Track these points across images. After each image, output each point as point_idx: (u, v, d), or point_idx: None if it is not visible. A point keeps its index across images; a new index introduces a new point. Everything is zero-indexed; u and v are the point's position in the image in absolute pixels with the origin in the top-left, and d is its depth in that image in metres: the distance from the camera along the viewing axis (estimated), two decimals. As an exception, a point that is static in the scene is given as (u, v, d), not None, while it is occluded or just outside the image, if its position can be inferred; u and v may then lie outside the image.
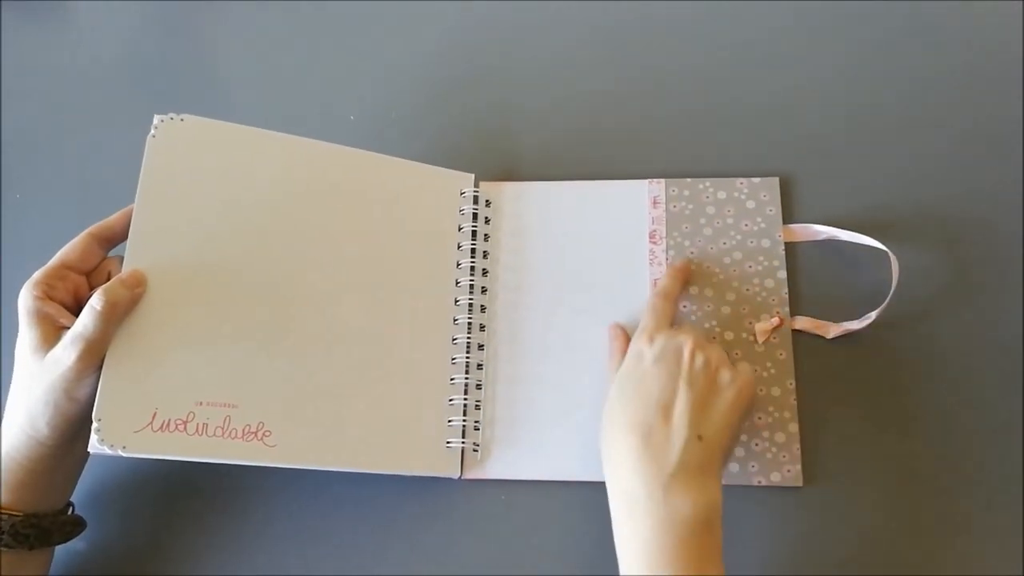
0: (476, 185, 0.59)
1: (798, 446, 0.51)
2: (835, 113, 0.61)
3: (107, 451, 0.45)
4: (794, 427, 0.52)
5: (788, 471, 0.51)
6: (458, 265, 0.57)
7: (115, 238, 0.51)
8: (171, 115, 0.51)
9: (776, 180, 0.58)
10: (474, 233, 0.58)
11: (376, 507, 0.53)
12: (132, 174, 0.50)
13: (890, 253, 0.53)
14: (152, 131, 0.51)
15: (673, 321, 0.51)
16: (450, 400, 0.54)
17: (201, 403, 0.47)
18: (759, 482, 0.51)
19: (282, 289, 0.51)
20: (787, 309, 0.55)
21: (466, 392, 0.54)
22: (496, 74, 0.65)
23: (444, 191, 0.58)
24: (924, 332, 0.54)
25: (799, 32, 0.64)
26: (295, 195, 0.53)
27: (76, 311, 0.47)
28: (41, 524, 0.47)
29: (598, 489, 0.52)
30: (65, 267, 0.49)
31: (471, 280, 0.56)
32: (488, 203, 0.59)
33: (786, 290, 0.55)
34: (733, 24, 0.65)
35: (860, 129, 0.60)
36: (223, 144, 0.52)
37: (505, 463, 0.53)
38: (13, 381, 0.47)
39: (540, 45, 0.66)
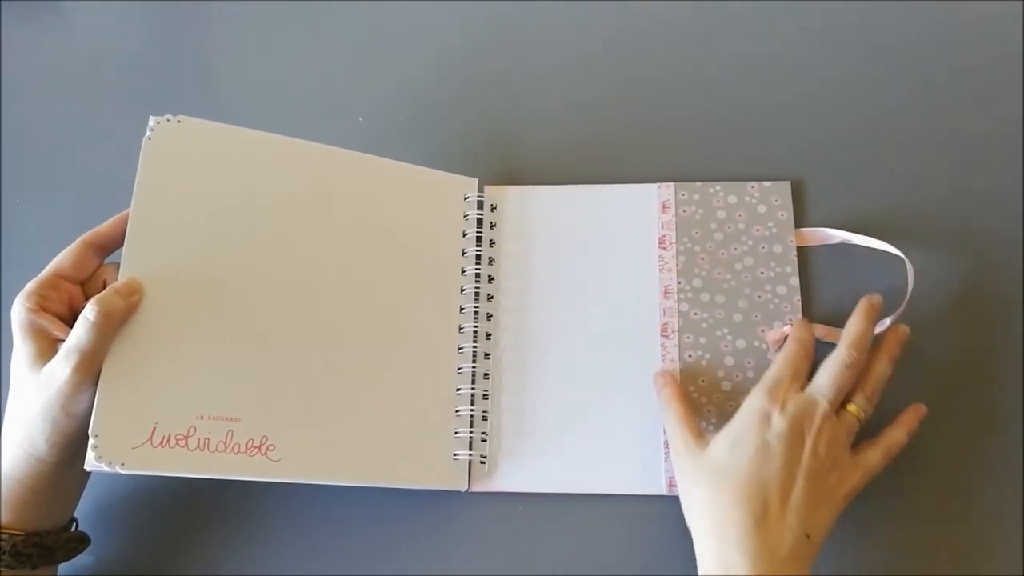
0: (480, 189, 0.58)
1: (812, 456, 0.50)
2: (847, 116, 0.60)
3: (105, 469, 0.43)
4: (808, 437, 0.51)
5: (802, 482, 0.50)
6: (463, 272, 0.55)
7: (110, 245, 0.49)
8: (167, 116, 0.50)
9: (787, 184, 0.57)
10: (479, 239, 0.56)
11: (383, 521, 0.52)
12: (131, 177, 0.49)
13: (905, 259, 0.52)
14: (148, 133, 0.49)
15: (807, 376, 0.47)
16: (456, 411, 0.53)
17: (202, 417, 0.46)
18: (773, 494, 0.50)
19: (284, 297, 0.50)
20: (800, 316, 0.54)
21: (472, 403, 0.53)
22: (504, 77, 0.64)
23: (447, 195, 0.57)
24: (939, 338, 0.53)
25: (809, 35, 0.62)
26: (296, 200, 0.52)
27: (71, 322, 0.45)
28: (43, 543, 0.46)
29: (607, 502, 0.51)
30: (58, 277, 0.47)
31: (476, 287, 0.55)
32: (493, 207, 0.58)
33: (799, 296, 0.54)
34: (742, 27, 0.63)
35: (872, 132, 0.59)
36: (221, 147, 0.51)
37: (513, 475, 0.52)
38: (10, 397, 0.46)
39: (548, 48, 0.65)
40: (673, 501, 0.50)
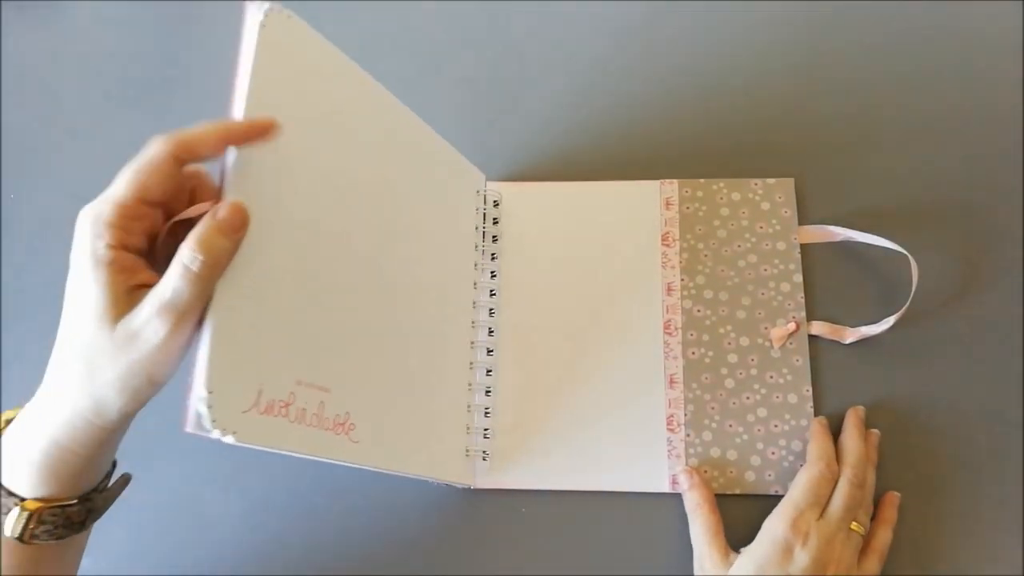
0: (484, 185, 0.58)
1: (815, 454, 0.50)
2: (849, 113, 0.59)
3: (213, 436, 0.34)
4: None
5: (805, 480, 0.50)
6: (475, 266, 0.55)
7: (201, 159, 0.36)
8: (274, 6, 0.38)
9: (791, 181, 0.57)
10: (483, 234, 0.56)
11: (383, 519, 0.52)
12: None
13: (909, 256, 0.52)
14: (261, 19, 0.38)
15: (829, 496, 0.47)
16: (467, 406, 0.52)
17: (300, 383, 0.38)
18: (776, 491, 0.50)
19: (372, 259, 0.43)
20: (803, 314, 0.54)
21: (479, 399, 0.53)
22: (508, 73, 0.64)
23: (464, 186, 0.56)
24: (943, 335, 0.53)
25: (812, 32, 0.62)
26: (368, 148, 0.44)
27: (148, 253, 0.36)
28: (94, 503, 0.40)
29: (609, 500, 0.51)
30: (144, 203, 0.35)
31: (483, 282, 0.55)
32: (496, 203, 0.58)
33: (802, 294, 0.54)
34: (745, 24, 0.63)
35: (875, 129, 0.59)
36: (321, 62, 0.42)
37: (515, 472, 0.52)
38: (61, 348, 0.36)
39: (552, 44, 0.64)
40: (676, 499, 0.50)
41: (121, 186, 0.35)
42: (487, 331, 0.55)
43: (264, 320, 0.37)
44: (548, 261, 0.57)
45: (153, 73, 0.67)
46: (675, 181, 0.58)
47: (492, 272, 0.56)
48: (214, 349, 0.34)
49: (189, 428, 0.34)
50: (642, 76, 0.62)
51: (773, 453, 0.51)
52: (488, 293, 0.55)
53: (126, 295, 0.34)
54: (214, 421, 0.33)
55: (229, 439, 0.34)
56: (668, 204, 0.57)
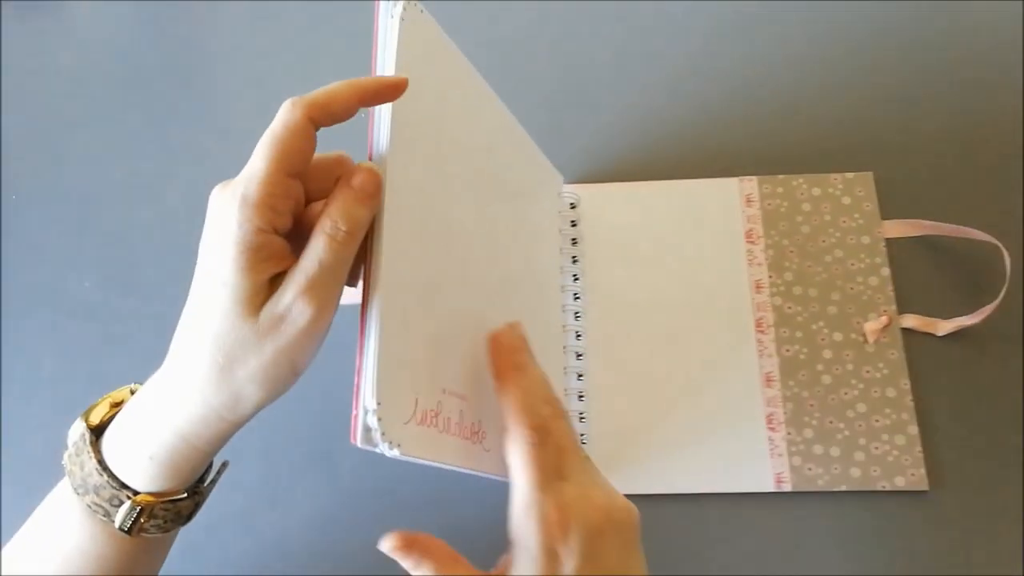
0: (561, 187, 0.57)
1: (920, 448, 0.50)
2: (923, 105, 0.59)
3: (379, 450, 0.31)
4: (914, 429, 0.50)
5: (912, 475, 0.49)
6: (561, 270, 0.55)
7: (336, 119, 0.33)
8: (412, 1, 0.37)
9: (870, 175, 0.57)
10: (563, 237, 0.55)
11: (476, 520, 0.50)
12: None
13: (1001, 245, 0.52)
14: (399, 14, 0.36)
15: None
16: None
17: (446, 391, 0.35)
18: (883, 487, 0.49)
19: (487, 259, 0.42)
20: (894, 307, 0.53)
21: (573, 404, 0.52)
22: (580, 72, 0.63)
23: (548, 190, 0.55)
24: (1035, 325, 0.53)
25: (886, 27, 0.62)
26: (489, 156, 0.44)
27: (292, 235, 0.34)
28: (202, 496, 0.38)
29: (710, 501, 0.50)
30: (288, 177, 0.32)
31: (567, 285, 0.54)
32: (573, 205, 0.57)
33: (891, 287, 0.53)
34: (818, 22, 0.63)
35: (949, 120, 0.58)
36: (447, 59, 0.41)
37: (613, 477, 0.50)
38: (190, 337, 0.34)
39: (625, 42, 0.64)
40: (780, 499, 0.49)
41: (261, 161, 0.32)
42: (575, 335, 0.53)
43: (418, 325, 0.35)
44: (631, 262, 0.56)
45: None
46: (754, 178, 0.57)
47: (574, 275, 0.55)
48: (382, 356, 0.31)
49: (358, 443, 0.32)
50: (712, 75, 0.62)
51: (877, 448, 0.50)
52: (572, 296, 0.54)
53: (268, 283, 0.33)
54: (383, 434, 0.31)
55: (394, 453, 0.32)
56: (749, 201, 0.57)
